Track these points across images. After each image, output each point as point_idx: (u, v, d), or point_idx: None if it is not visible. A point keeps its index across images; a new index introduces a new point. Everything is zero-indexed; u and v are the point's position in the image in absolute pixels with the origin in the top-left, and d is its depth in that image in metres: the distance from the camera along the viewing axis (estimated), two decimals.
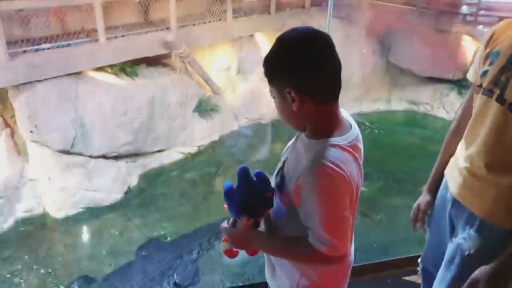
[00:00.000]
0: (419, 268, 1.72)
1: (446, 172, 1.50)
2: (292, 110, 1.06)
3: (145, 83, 5.96)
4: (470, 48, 9.01)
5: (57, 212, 5.14)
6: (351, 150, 1.08)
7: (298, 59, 1.01)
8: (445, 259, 1.42)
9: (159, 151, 6.42)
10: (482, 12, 8.80)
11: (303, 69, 1.01)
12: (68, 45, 5.12)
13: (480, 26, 8.89)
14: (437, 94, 9.38)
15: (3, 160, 4.97)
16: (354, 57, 8.95)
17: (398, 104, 9.56)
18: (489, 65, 1.25)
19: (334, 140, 1.07)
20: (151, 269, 4.22)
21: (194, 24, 6.65)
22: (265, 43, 8.52)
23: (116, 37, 5.59)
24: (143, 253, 4.62)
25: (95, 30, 5.41)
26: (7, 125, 5.24)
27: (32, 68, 4.77)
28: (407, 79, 9.52)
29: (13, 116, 5.19)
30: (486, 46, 1.28)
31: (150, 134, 6.05)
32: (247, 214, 1.14)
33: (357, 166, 1.10)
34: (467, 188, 1.33)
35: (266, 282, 1.36)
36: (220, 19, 7.11)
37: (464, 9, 8.98)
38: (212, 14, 7.04)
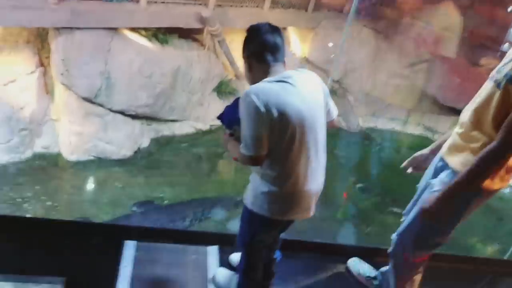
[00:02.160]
0: (401, 220, 2.05)
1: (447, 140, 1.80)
2: (247, 72, 1.69)
3: (174, 52, 6.15)
4: None
5: (70, 154, 5.42)
6: (278, 83, 1.54)
7: (249, 37, 1.66)
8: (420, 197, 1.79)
9: (173, 120, 6.63)
10: None
11: (249, 41, 1.65)
12: (111, 0, 5.36)
13: None
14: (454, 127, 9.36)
15: (33, 96, 5.28)
16: (380, 71, 8.98)
17: (414, 129, 9.53)
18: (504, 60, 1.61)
19: (265, 79, 1.56)
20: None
21: (231, 6, 6.79)
22: (295, 39, 8.64)
23: (156, 2, 5.79)
24: (141, 210, 4.84)
25: None
26: (41, 64, 5.53)
27: (75, 15, 5.03)
28: (429, 105, 9.50)
29: (48, 56, 5.48)
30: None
31: (168, 102, 6.26)
32: (224, 125, 1.78)
33: (287, 94, 1.54)
34: (452, 146, 1.69)
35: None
36: (257, 6, 7.23)
37: (505, 47, 8.92)
38: None
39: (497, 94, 1.50)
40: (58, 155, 5.47)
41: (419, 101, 9.46)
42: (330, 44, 8.48)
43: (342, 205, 6.13)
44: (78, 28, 5.13)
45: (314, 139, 1.62)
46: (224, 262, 2.27)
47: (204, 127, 7.16)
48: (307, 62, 8.80)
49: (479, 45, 8.92)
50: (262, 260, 1.93)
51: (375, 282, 2.28)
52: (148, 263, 2.19)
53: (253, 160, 1.59)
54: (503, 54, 7.63)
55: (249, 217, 1.78)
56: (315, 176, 1.68)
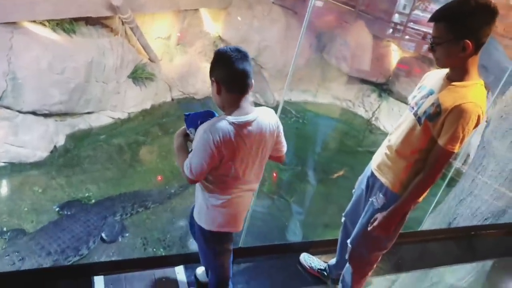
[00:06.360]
0: (342, 220, 2.43)
1: (374, 155, 2.16)
2: (215, 94, 1.68)
3: (84, 42, 5.76)
4: (395, 56, 9.97)
5: None
6: (236, 126, 1.64)
7: (218, 63, 1.64)
8: (363, 211, 2.12)
9: (88, 112, 6.32)
10: (410, 24, 9.76)
11: (218, 67, 1.64)
12: None
13: (407, 37, 9.92)
14: (359, 94, 10.18)
15: None
16: (291, 48, 9.37)
17: (323, 98, 10.22)
18: (418, 93, 1.90)
19: (229, 117, 1.64)
20: (77, 229, 4.31)
21: None
22: (208, 19, 8.58)
23: None
24: (67, 212, 4.67)
25: None
26: None
27: None
28: (336, 75, 10.20)
29: None
30: (420, 81, 1.96)
31: (83, 96, 5.93)
32: (186, 123, 1.83)
33: (239, 137, 1.65)
34: (382, 165, 2.01)
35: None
36: None
37: (396, 17, 9.83)
38: None
39: (418, 128, 1.80)
40: None
41: (326, 72, 10.14)
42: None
43: (267, 180, 6.47)
44: None
45: (252, 168, 1.78)
46: (191, 279, 2.45)
47: (122, 115, 6.94)
48: (221, 41, 8.84)
49: (374, 18, 9.77)
50: (230, 273, 2.07)
51: (325, 273, 2.66)
52: None
53: (190, 181, 1.72)
54: (395, 25, 8.55)
55: (202, 234, 1.91)
56: (247, 195, 1.87)
